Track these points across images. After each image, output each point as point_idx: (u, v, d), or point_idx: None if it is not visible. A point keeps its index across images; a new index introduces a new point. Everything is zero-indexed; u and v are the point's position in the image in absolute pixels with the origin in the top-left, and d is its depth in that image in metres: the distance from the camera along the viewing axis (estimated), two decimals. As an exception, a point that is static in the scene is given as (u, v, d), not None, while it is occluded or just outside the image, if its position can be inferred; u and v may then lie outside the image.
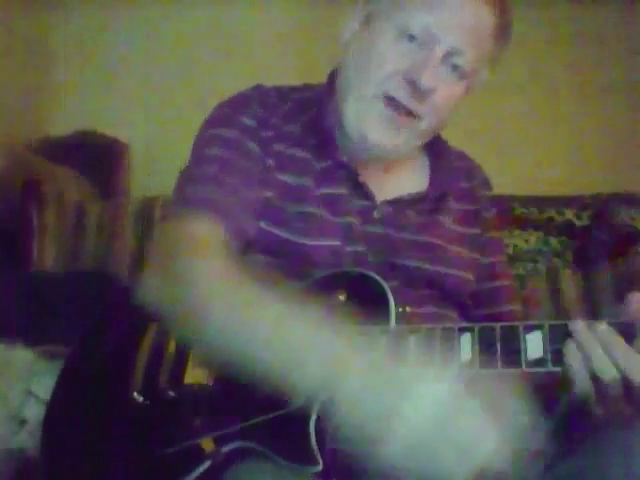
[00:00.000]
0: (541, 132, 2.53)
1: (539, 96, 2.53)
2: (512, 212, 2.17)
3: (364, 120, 1.12)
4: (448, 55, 1.10)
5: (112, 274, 1.91)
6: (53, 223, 2.11)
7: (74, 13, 2.58)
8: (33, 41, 2.58)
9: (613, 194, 2.28)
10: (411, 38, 1.10)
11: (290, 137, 1.19)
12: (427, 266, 1.16)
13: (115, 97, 2.54)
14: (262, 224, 1.13)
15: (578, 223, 2.20)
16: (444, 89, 1.11)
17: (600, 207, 2.22)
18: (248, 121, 1.18)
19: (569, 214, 2.21)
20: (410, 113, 1.11)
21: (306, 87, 1.27)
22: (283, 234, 1.13)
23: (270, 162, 1.16)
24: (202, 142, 1.18)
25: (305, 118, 1.21)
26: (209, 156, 1.15)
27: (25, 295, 1.79)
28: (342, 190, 1.17)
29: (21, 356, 1.53)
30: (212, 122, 1.20)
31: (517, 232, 2.14)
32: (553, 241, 2.17)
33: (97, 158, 2.43)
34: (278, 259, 1.12)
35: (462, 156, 1.33)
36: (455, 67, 1.11)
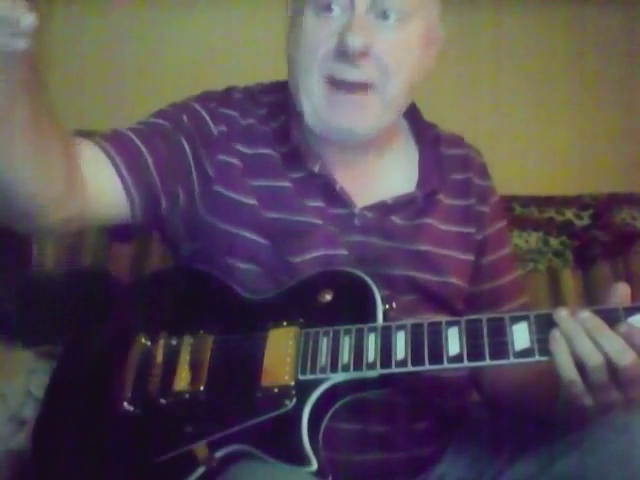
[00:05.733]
0: (541, 132, 2.52)
1: (539, 96, 2.52)
2: (512, 212, 2.17)
3: (322, 111, 1.07)
4: (373, 5, 1.03)
5: (112, 274, 1.91)
6: (53, 223, 2.10)
7: (73, 13, 2.57)
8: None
9: (613, 194, 2.27)
10: (329, 8, 1.04)
11: (263, 139, 1.16)
12: (415, 274, 1.13)
13: (113, 97, 2.54)
14: (243, 232, 1.12)
15: (578, 223, 2.19)
16: (383, 42, 1.04)
17: (600, 207, 2.21)
18: (199, 108, 1.18)
19: (569, 214, 2.20)
20: (360, 86, 1.05)
21: (277, 87, 1.23)
22: (265, 241, 1.11)
23: (237, 162, 1.14)
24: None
25: (276, 124, 1.18)
26: (142, 121, 1.19)
27: (25, 295, 1.79)
28: (319, 202, 1.13)
29: (21, 356, 1.53)
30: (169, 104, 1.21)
31: (517, 232, 2.13)
32: (553, 241, 2.16)
33: (97, 158, 2.42)
34: (262, 268, 1.10)
35: (457, 142, 1.27)
36: (385, 15, 1.04)
